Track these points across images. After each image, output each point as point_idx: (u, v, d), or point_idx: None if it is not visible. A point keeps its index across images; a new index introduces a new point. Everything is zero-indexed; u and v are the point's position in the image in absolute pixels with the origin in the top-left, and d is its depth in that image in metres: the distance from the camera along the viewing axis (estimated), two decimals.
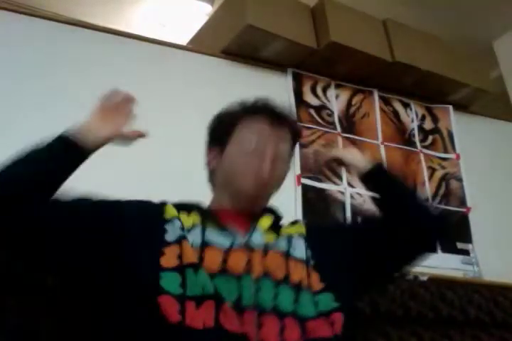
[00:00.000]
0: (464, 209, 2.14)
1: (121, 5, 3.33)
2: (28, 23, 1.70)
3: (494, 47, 3.04)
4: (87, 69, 1.71)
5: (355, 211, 1.90)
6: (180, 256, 0.88)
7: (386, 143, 2.13)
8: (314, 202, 1.85)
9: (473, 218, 2.12)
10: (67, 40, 1.74)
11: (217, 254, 0.90)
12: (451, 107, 2.36)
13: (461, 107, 2.40)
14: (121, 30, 1.89)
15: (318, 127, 2.01)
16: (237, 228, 0.97)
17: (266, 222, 1.01)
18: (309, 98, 2.06)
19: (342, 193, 1.91)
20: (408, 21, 2.33)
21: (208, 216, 0.98)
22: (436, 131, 2.29)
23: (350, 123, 2.10)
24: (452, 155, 2.26)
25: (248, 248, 0.92)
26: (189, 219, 0.97)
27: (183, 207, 1.02)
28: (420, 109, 2.31)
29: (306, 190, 1.85)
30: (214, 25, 2.18)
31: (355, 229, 1.24)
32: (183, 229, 0.94)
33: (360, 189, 1.96)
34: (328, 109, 2.08)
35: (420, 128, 2.26)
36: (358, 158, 1.23)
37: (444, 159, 2.23)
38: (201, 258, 0.88)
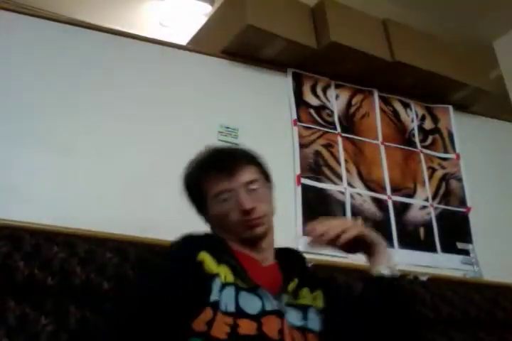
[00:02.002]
0: (464, 209, 2.14)
1: (121, 5, 3.33)
2: (28, 23, 1.70)
3: (494, 47, 3.04)
4: (87, 69, 1.71)
5: (355, 211, 1.90)
6: (210, 323, 0.92)
7: (386, 143, 2.13)
8: (314, 202, 1.85)
9: (473, 218, 2.12)
10: (66, 40, 1.73)
11: (251, 324, 0.94)
12: (451, 107, 2.36)
13: (461, 107, 2.40)
14: (121, 30, 1.89)
15: (318, 127, 2.01)
16: (266, 286, 1.00)
17: (292, 285, 1.05)
18: (309, 98, 2.06)
19: (342, 193, 1.92)
20: (408, 21, 2.33)
21: (239, 273, 1.01)
22: (436, 131, 2.29)
23: (350, 123, 2.10)
24: (452, 155, 2.26)
25: (279, 314, 0.97)
26: (223, 274, 1.00)
27: (213, 252, 1.04)
28: (420, 109, 2.31)
29: (306, 190, 1.85)
30: (214, 25, 2.18)
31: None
32: (220, 284, 0.98)
33: (361, 189, 1.96)
34: (328, 109, 2.08)
35: (420, 128, 2.26)
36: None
37: (444, 159, 2.23)
38: (236, 325, 0.93)
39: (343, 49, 1.98)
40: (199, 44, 2.10)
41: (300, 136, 1.95)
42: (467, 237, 2.07)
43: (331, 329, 1.02)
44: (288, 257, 1.16)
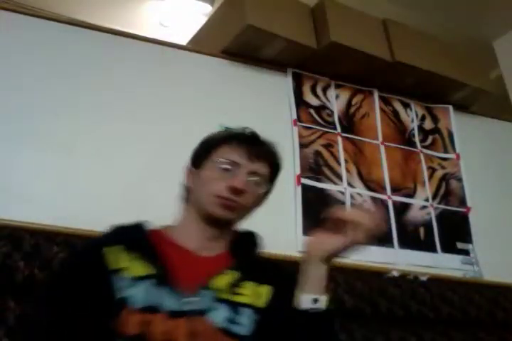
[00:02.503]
0: (464, 209, 2.14)
1: (121, 5, 3.33)
2: (28, 23, 1.70)
3: (494, 47, 3.04)
4: (87, 69, 1.71)
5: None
6: (123, 322, 0.86)
7: (386, 143, 2.13)
8: (314, 202, 1.85)
9: (473, 218, 2.12)
10: (66, 40, 1.73)
11: (164, 321, 0.87)
12: (451, 107, 2.36)
13: (461, 107, 2.40)
14: (121, 30, 1.89)
15: (318, 127, 2.01)
16: (188, 284, 0.92)
17: (222, 280, 0.96)
18: (309, 98, 2.06)
19: (342, 193, 1.91)
20: (408, 21, 2.33)
21: (157, 266, 0.94)
22: (436, 131, 2.29)
23: (350, 123, 2.10)
24: (452, 155, 2.26)
25: (192, 315, 0.89)
26: (136, 267, 0.94)
27: (131, 245, 0.97)
28: (420, 109, 2.31)
29: (306, 190, 1.85)
30: (214, 25, 2.17)
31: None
32: (130, 279, 0.91)
33: (361, 189, 1.96)
34: (328, 108, 2.08)
35: (420, 128, 2.26)
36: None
37: (444, 159, 2.23)
38: (145, 323, 0.86)
39: (343, 49, 1.98)
40: (199, 44, 2.10)
41: (300, 136, 1.95)
42: (467, 237, 2.07)
43: (265, 332, 0.94)
44: (245, 245, 1.08)
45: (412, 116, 2.27)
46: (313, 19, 2.05)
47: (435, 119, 2.32)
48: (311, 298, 0.94)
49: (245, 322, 0.93)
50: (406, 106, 2.28)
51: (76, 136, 1.59)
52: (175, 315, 0.88)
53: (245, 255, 1.05)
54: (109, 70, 1.74)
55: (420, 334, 1.56)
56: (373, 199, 1.97)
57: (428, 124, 2.29)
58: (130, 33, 1.88)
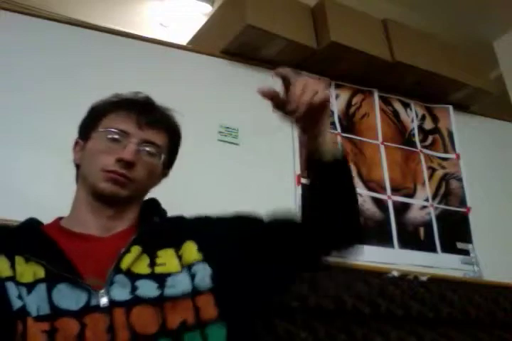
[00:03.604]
0: (464, 209, 2.14)
1: (121, 5, 3.33)
2: (28, 23, 1.70)
3: (494, 47, 3.03)
4: (87, 70, 1.71)
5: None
6: (24, 336, 0.75)
7: (386, 143, 2.13)
8: None
9: (473, 218, 2.12)
10: (67, 40, 1.74)
11: (72, 326, 0.76)
12: (451, 107, 2.36)
13: (461, 107, 2.40)
14: (121, 30, 1.89)
15: None
16: (95, 274, 0.82)
17: (129, 258, 0.85)
18: None
19: None
20: (408, 21, 2.33)
21: (58, 263, 0.82)
22: (436, 131, 2.29)
23: (350, 123, 2.10)
24: (452, 155, 2.26)
25: (106, 308, 0.78)
26: (30, 270, 0.83)
27: (23, 248, 0.86)
28: (420, 109, 2.31)
29: (306, 190, 1.85)
30: (214, 25, 2.18)
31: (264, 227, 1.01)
32: (25, 285, 0.80)
33: (360, 189, 1.96)
34: None
35: (420, 128, 2.26)
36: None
37: (444, 159, 2.23)
38: (53, 330, 0.76)
39: (343, 49, 1.98)
40: (199, 44, 2.10)
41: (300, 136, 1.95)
42: (467, 237, 2.07)
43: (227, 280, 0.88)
44: (147, 214, 0.99)
45: (412, 116, 2.27)
46: (313, 19, 2.05)
47: (435, 119, 2.32)
48: (334, 147, 0.97)
49: (180, 283, 0.84)
50: (406, 106, 2.28)
51: (76, 136, 1.59)
52: (84, 313, 0.78)
53: (149, 224, 0.96)
54: (109, 70, 1.74)
55: (420, 335, 1.56)
56: (373, 199, 1.97)
57: (428, 124, 2.29)
58: (130, 33, 1.88)
